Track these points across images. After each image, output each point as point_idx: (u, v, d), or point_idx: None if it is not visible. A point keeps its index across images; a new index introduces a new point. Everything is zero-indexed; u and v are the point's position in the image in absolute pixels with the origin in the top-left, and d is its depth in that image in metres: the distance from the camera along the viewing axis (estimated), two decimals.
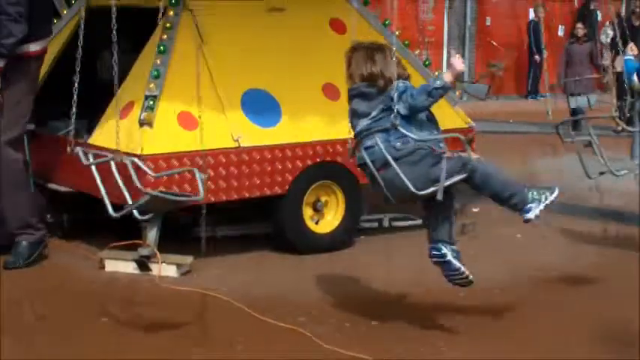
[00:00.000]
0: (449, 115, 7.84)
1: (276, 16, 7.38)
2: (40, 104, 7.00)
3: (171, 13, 6.89)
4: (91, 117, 7.03)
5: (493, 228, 8.04)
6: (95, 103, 6.97)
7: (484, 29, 20.65)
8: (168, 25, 6.83)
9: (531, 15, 20.51)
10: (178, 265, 6.43)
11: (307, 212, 7.06)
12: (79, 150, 5.89)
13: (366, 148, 5.28)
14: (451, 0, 20.41)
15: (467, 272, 5.40)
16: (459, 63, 5.30)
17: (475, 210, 8.54)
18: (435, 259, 5.46)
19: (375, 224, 7.77)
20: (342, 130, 7.11)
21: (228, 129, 6.69)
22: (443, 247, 5.41)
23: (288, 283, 6.38)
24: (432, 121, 5.44)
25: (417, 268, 6.81)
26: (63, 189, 7.06)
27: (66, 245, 7.11)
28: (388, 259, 7.08)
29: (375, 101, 5.32)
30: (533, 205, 5.41)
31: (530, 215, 5.40)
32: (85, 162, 5.83)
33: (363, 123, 5.32)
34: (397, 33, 8.04)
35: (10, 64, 6.23)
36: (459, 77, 5.51)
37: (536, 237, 7.78)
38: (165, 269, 6.38)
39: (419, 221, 7.88)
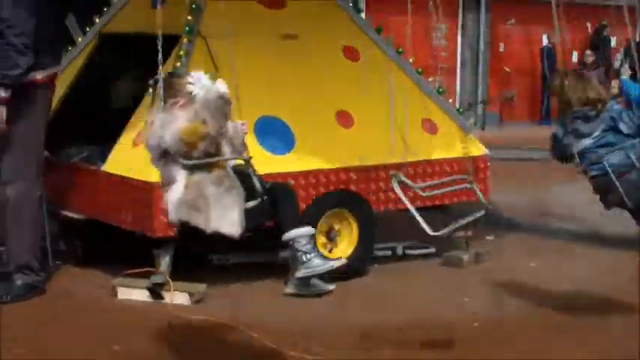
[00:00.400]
0: (464, 142, 7.83)
1: (290, 43, 7.39)
2: (53, 131, 7.01)
3: (185, 40, 6.89)
4: (105, 144, 7.03)
5: (508, 257, 7.99)
6: (109, 130, 6.99)
7: (497, 55, 20.66)
8: (181, 52, 6.83)
9: (544, 41, 20.51)
10: (191, 294, 6.40)
11: (320, 240, 7.02)
12: None
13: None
14: (464, 26, 20.44)
15: None
16: None
17: (489, 238, 8.50)
18: None
19: (389, 252, 7.73)
20: (355, 157, 7.14)
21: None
22: None
23: (302, 312, 6.34)
24: None
25: (431, 297, 6.78)
26: (76, 216, 7.05)
27: (79, 272, 7.09)
28: (402, 287, 7.04)
29: (594, 123, 6.07)
30: None
31: None
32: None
33: (586, 142, 6.06)
34: (411, 60, 8.07)
35: (17, 93, 6.19)
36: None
37: (550, 266, 7.73)
38: (178, 297, 6.36)
39: (432, 249, 7.87)
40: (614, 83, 8.69)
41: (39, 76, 6.32)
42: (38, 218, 6.50)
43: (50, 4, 6.45)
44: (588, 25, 20.89)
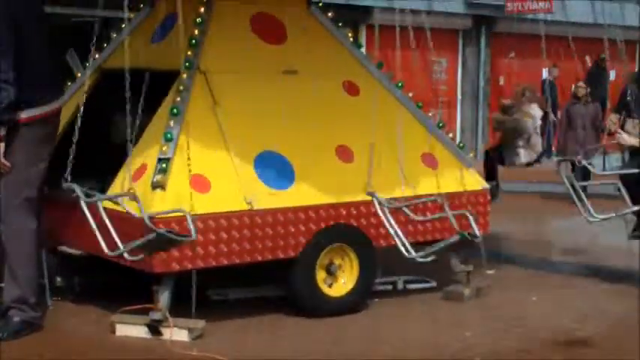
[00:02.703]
0: (463, 177, 7.82)
1: (290, 78, 7.40)
2: (52, 166, 7.00)
3: (185, 75, 6.90)
4: (104, 179, 7.01)
5: (508, 291, 7.95)
6: (107, 166, 6.98)
7: (497, 89, 20.72)
8: (181, 87, 6.84)
9: (544, 74, 20.56)
10: (190, 330, 6.36)
11: (321, 275, 6.99)
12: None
13: None
14: (464, 60, 20.52)
15: None
16: None
17: (490, 272, 8.46)
18: None
19: (390, 287, 7.71)
20: (355, 192, 7.13)
21: (241, 191, 6.66)
22: None
23: (302, 347, 6.31)
24: None
25: (432, 332, 6.74)
26: (75, 252, 7.02)
27: (77, 308, 7.05)
28: (403, 322, 6.99)
29: None
30: None
31: None
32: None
33: None
34: (411, 94, 8.08)
35: (8, 131, 6.20)
36: None
37: (552, 300, 7.70)
38: (177, 333, 6.31)
39: (433, 284, 7.84)
40: (614, 118, 8.53)
41: (23, 115, 6.24)
42: (33, 253, 6.41)
43: (43, 40, 6.43)
44: (587, 58, 20.96)
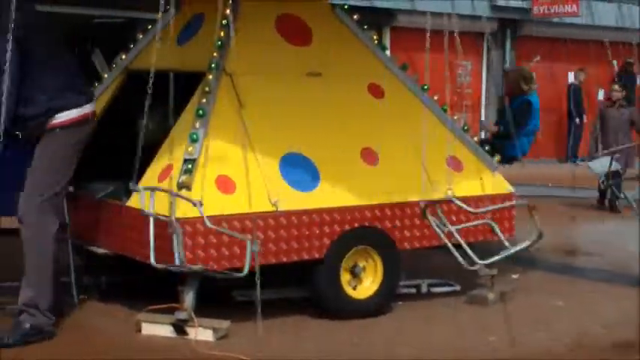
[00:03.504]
0: (488, 181, 7.81)
1: (315, 80, 7.42)
2: (79, 166, 7.05)
3: (211, 77, 6.93)
4: (130, 179, 7.05)
5: (533, 295, 7.93)
6: (134, 166, 7.02)
7: None
8: (207, 88, 6.87)
9: (571, 78, 20.50)
10: (215, 330, 6.39)
11: (345, 277, 7.00)
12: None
13: None
14: (489, 63, 20.47)
15: None
16: None
17: (515, 277, 8.45)
18: None
19: (414, 290, 7.70)
20: (380, 195, 7.13)
21: (266, 192, 6.68)
22: None
23: (325, 349, 6.32)
24: None
25: (456, 336, 6.73)
26: (101, 251, 7.06)
27: (103, 307, 7.09)
28: (426, 325, 6.99)
29: None
30: None
31: None
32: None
33: None
34: (436, 97, 8.07)
35: (40, 134, 6.27)
36: None
37: (577, 305, 7.66)
38: (202, 333, 6.34)
39: (457, 287, 7.83)
40: None
41: (56, 120, 6.29)
42: (50, 257, 6.30)
43: (60, 49, 6.47)
44: (614, 62, 20.87)
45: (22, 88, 6.15)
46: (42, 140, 6.31)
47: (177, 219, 6.24)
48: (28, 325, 6.20)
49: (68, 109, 6.33)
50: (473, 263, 7.32)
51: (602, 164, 12.56)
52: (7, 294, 6.78)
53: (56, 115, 6.29)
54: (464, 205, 6.92)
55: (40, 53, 6.24)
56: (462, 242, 7.17)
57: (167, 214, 6.33)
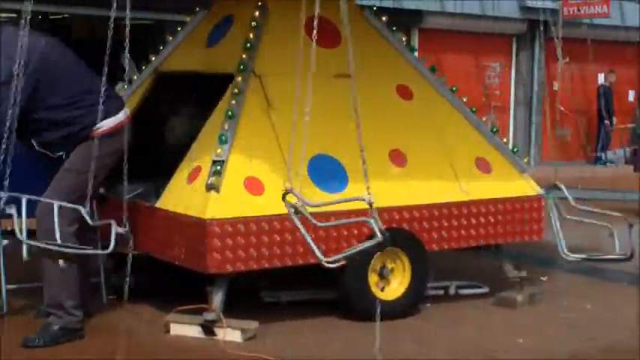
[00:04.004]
0: (517, 183, 7.78)
1: (343, 81, 7.41)
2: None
3: (240, 78, 6.95)
4: (159, 181, 7.10)
5: (562, 298, 7.90)
6: (163, 167, 7.06)
7: (551, 94, 20.57)
8: (236, 90, 6.89)
9: (600, 79, 20.38)
10: (243, 330, 6.41)
11: (373, 279, 7.00)
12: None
13: None
14: (518, 65, 20.39)
15: None
16: None
17: (543, 279, 8.41)
18: None
19: (442, 292, 7.69)
20: (408, 196, 7.13)
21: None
22: None
23: (353, 350, 6.32)
24: None
25: (484, 338, 6.72)
26: (130, 251, 7.09)
27: (132, 308, 7.12)
28: (454, 327, 6.98)
29: None
30: None
31: None
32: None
33: None
34: (465, 99, 8.06)
35: (77, 142, 6.35)
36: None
37: (606, 308, 7.62)
38: (230, 334, 6.36)
39: (485, 289, 7.81)
40: None
41: (94, 131, 6.37)
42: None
43: (84, 67, 6.54)
44: None
45: (56, 112, 6.26)
46: (79, 146, 6.36)
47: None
48: (56, 327, 6.24)
49: (104, 119, 6.38)
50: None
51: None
52: (34, 296, 6.85)
53: (93, 127, 6.36)
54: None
55: (65, 78, 6.31)
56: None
57: (198, 215, 6.35)
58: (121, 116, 6.57)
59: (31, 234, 6.97)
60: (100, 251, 6.21)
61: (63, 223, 6.08)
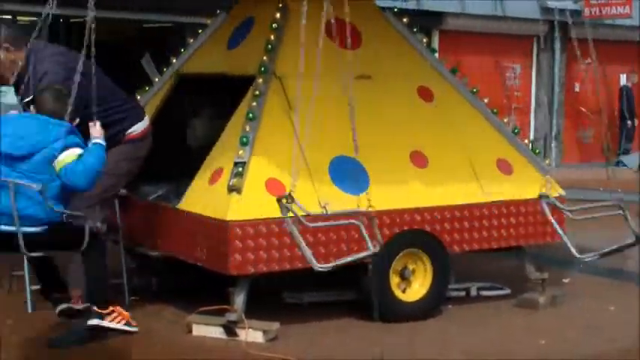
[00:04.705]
0: (538, 184, 7.75)
1: (364, 83, 7.42)
2: None
3: (260, 80, 6.97)
4: (181, 182, 7.12)
5: (584, 299, 7.87)
6: (184, 169, 7.08)
7: (572, 95, 20.48)
8: (257, 92, 6.91)
9: (622, 81, 20.28)
10: (265, 331, 6.42)
11: (394, 280, 7.00)
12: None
13: None
14: (539, 66, 20.32)
15: None
16: None
17: (565, 281, 8.38)
18: None
19: (463, 293, 7.68)
20: (429, 198, 7.12)
21: (316, 195, 6.69)
22: None
23: (374, 351, 6.31)
24: None
25: (505, 339, 6.70)
26: (152, 253, 7.13)
27: (154, 309, 7.16)
28: (476, 328, 6.97)
29: None
30: None
31: None
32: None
33: None
34: (486, 100, 8.04)
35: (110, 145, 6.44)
36: None
37: (629, 309, 7.58)
38: (252, 335, 6.38)
39: (507, 291, 7.79)
40: None
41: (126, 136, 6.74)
42: (102, 259, 6.37)
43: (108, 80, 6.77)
44: None
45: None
46: (111, 151, 6.47)
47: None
48: (84, 326, 6.27)
49: (136, 123, 6.79)
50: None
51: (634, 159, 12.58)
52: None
53: (128, 131, 6.73)
54: None
55: (101, 93, 6.41)
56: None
57: (220, 216, 6.38)
58: (147, 121, 6.96)
59: None
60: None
61: (99, 222, 6.41)
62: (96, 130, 6.08)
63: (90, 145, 5.96)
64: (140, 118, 6.92)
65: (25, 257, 6.34)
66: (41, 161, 5.72)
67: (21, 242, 5.56)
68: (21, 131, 5.82)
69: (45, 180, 5.70)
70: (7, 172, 5.66)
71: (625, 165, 12.57)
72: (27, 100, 6.30)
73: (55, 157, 5.76)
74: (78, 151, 5.84)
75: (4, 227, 5.61)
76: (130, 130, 6.77)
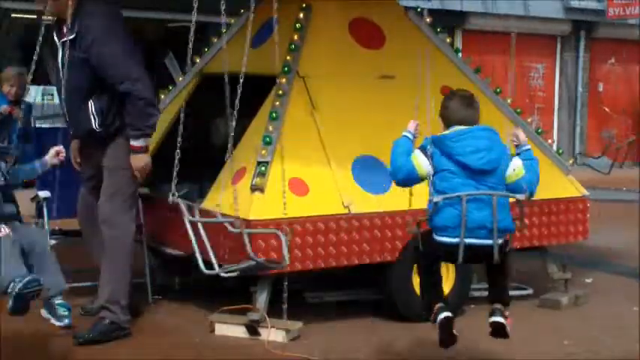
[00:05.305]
0: (562, 184, 7.74)
1: (388, 82, 7.42)
2: (155, 168, 7.15)
3: (284, 80, 6.98)
4: (204, 182, 7.14)
5: (607, 300, 7.83)
6: (207, 168, 7.10)
7: (596, 95, 20.40)
8: (280, 92, 6.92)
9: None
10: (287, 331, 6.44)
11: (417, 280, 6.97)
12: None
13: None
14: (562, 66, 20.24)
15: None
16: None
17: (588, 281, 8.35)
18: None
19: (486, 293, 7.64)
20: None
21: (339, 195, 6.70)
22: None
23: (397, 351, 6.32)
24: None
25: (528, 339, 6.68)
26: (175, 252, 7.15)
27: (177, 308, 7.19)
28: None
29: None
30: None
31: None
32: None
33: None
34: (509, 100, 8.02)
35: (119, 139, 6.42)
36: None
37: None
38: (275, 334, 6.39)
39: (530, 291, 7.77)
40: None
41: None
42: (131, 256, 6.49)
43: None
44: None
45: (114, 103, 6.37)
46: (113, 142, 6.45)
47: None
48: (108, 321, 6.33)
49: None
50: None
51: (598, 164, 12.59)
52: (81, 295, 6.94)
53: None
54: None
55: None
56: None
57: (243, 215, 6.39)
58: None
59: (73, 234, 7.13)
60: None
61: (132, 220, 6.54)
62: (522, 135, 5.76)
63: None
64: None
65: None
66: (501, 173, 5.49)
67: (496, 254, 5.40)
68: (481, 144, 5.49)
69: (502, 190, 5.49)
70: (475, 185, 5.41)
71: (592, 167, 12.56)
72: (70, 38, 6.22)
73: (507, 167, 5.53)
74: (519, 162, 5.58)
75: (481, 241, 5.50)
76: None
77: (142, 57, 6.46)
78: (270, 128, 6.74)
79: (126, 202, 6.45)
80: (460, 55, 8.40)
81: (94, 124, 6.31)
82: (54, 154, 6.47)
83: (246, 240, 6.18)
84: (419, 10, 8.09)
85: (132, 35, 6.50)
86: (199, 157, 7.54)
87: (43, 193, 6.93)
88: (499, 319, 5.55)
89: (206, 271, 6.29)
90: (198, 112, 7.91)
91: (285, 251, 6.22)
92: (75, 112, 6.38)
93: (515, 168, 5.48)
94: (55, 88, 7.04)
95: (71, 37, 6.20)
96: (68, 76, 6.24)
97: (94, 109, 6.29)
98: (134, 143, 6.34)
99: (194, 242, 6.41)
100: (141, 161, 6.39)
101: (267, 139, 6.65)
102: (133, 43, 6.40)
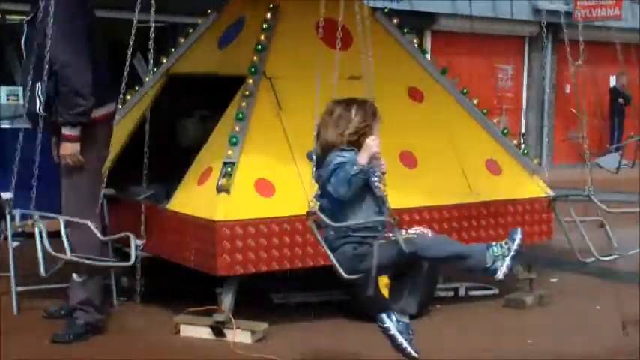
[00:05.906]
0: (526, 185, 7.79)
1: (355, 83, 7.43)
2: (120, 169, 7.13)
3: (250, 81, 6.98)
4: (170, 182, 7.12)
5: (571, 299, 7.89)
6: (174, 169, 7.08)
7: (563, 97, 20.53)
8: (247, 92, 6.92)
9: (612, 82, 20.33)
10: (253, 332, 6.43)
11: (383, 280, 7.00)
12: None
13: None
14: (530, 67, 20.37)
15: (409, 349, 5.24)
16: (374, 145, 5.32)
17: (553, 281, 8.41)
18: (380, 329, 5.36)
19: (452, 293, 7.69)
20: (418, 198, 7.13)
21: (305, 196, 6.69)
22: (387, 319, 5.34)
23: (362, 351, 6.33)
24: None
25: (493, 339, 6.72)
26: (140, 253, 7.10)
27: (142, 309, 7.16)
28: (464, 328, 6.98)
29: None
30: (498, 263, 5.14)
31: (499, 275, 5.10)
32: None
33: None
34: (475, 101, 8.06)
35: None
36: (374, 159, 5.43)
37: (616, 309, 7.59)
38: (240, 335, 6.38)
39: (495, 290, 7.81)
40: None
41: (97, 114, 6.32)
42: (100, 256, 6.40)
43: (103, 43, 6.56)
44: None
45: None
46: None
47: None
48: (82, 322, 6.33)
49: (105, 104, 6.40)
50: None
51: (611, 160, 12.76)
52: (51, 296, 6.90)
53: (95, 110, 6.31)
54: None
55: (97, 48, 6.35)
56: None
57: (208, 216, 6.38)
58: (113, 106, 6.55)
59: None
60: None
61: (99, 223, 6.22)
62: None
63: None
64: (107, 102, 6.46)
65: None
66: None
67: None
68: None
69: None
70: None
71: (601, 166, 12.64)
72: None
73: None
74: None
75: None
76: (97, 110, 6.34)
77: (102, 50, 6.38)
78: (237, 129, 6.73)
79: (94, 200, 6.35)
80: (428, 55, 8.44)
81: (39, 107, 6.07)
82: None
83: None
84: (386, 10, 8.12)
85: (93, 26, 6.39)
86: (166, 157, 7.52)
87: (5, 195, 6.85)
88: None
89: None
90: (165, 113, 7.90)
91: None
92: (27, 93, 6.22)
93: None
94: (19, 89, 6.96)
95: (31, 16, 6.16)
96: (26, 55, 6.18)
97: (39, 91, 6.09)
98: (63, 131, 6.18)
99: None
100: (67, 150, 6.20)
101: (234, 139, 6.64)
102: (86, 30, 6.22)
